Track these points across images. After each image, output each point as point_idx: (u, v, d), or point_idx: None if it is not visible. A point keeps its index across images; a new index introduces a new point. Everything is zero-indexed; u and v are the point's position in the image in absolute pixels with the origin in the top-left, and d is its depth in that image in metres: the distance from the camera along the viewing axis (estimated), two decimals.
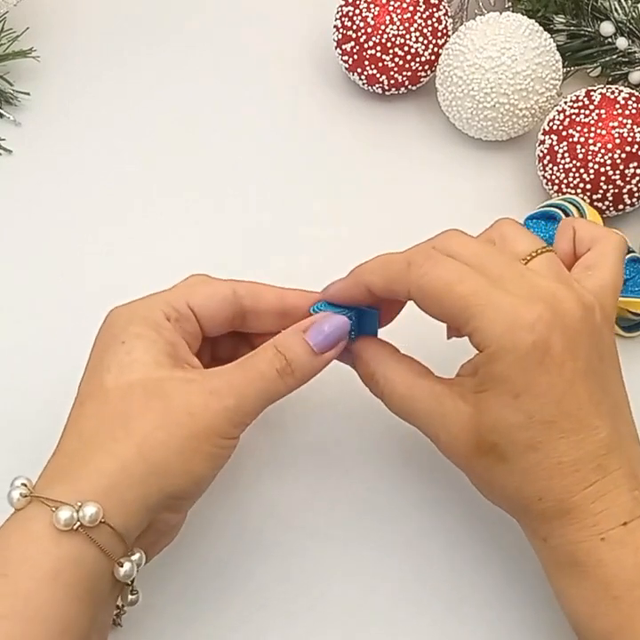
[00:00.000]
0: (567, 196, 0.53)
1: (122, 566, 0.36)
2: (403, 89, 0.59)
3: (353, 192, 0.57)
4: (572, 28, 0.59)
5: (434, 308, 0.38)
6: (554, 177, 0.54)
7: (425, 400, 0.39)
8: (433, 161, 0.59)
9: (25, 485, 0.36)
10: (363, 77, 0.58)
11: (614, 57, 0.58)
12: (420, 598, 0.45)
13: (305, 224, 0.56)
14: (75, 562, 0.35)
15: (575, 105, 0.54)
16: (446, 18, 0.58)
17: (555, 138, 0.54)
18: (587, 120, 0.53)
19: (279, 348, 0.39)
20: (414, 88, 0.59)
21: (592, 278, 0.40)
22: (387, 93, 0.59)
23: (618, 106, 0.53)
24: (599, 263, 0.41)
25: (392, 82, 0.58)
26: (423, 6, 0.57)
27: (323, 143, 0.59)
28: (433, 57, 0.58)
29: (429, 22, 0.57)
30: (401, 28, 0.56)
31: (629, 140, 0.52)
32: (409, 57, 0.57)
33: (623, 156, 0.52)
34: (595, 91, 0.54)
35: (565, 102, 0.54)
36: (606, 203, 0.53)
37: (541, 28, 0.56)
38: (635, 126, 0.52)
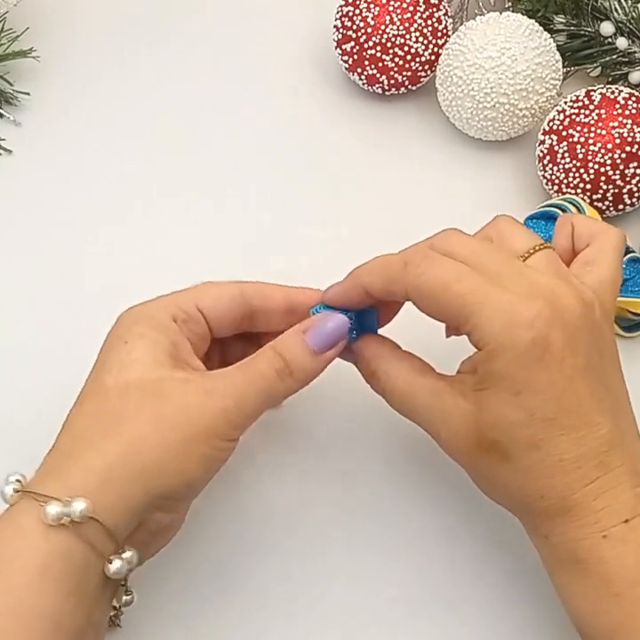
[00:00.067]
0: (567, 196, 0.53)
1: (111, 563, 0.36)
2: (403, 89, 0.59)
3: (353, 192, 0.57)
4: (572, 27, 0.59)
5: (432, 308, 0.38)
6: (554, 177, 0.54)
7: (426, 397, 0.40)
8: (433, 161, 0.59)
9: (18, 481, 0.37)
10: (363, 77, 0.58)
11: (614, 57, 0.58)
12: (421, 598, 0.45)
13: (305, 224, 0.56)
14: (64, 557, 0.35)
15: (575, 105, 0.54)
16: (446, 18, 0.58)
17: (555, 138, 0.54)
18: (587, 120, 0.53)
19: (278, 350, 0.39)
20: (414, 88, 0.59)
21: (591, 274, 0.40)
22: (387, 93, 0.59)
23: (618, 106, 0.53)
24: (598, 259, 0.41)
25: (392, 82, 0.58)
26: (423, 6, 0.57)
27: (323, 143, 0.59)
28: (433, 57, 0.58)
29: (429, 22, 0.57)
30: (401, 28, 0.56)
31: (629, 140, 0.52)
32: (409, 57, 0.57)
33: (623, 156, 0.52)
34: (595, 91, 0.54)
35: (565, 102, 0.54)
36: (606, 203, 0.53)
37: (541, 28, 0.56)
38: (635, 126, 0.52)
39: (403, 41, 0.56)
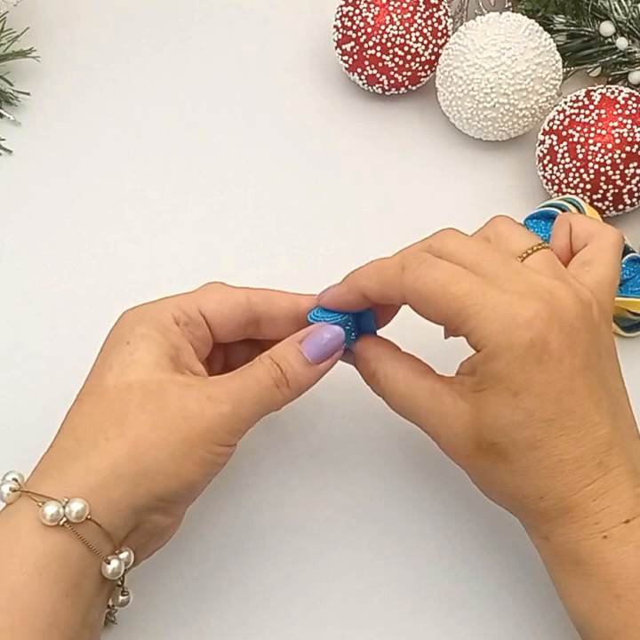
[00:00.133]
0: (567, 195, 0.53)
1: (109, 564, 0.36)
2: (403, 89, 0.59)
3: (353, 192, 0.57)
4: (572, 27, 0.59)
5: (429, 311, 0.38)
6: (554, 177, 0.54)
7: (425, 399, 0.39)
8: (433, 161, 0.59)
9: (16, 480, 0.37)
10: (363, 77, 0.58)
11: (614, 57, 0.58)
12: (420, 598, 0.45)
13: (305, 224, 0.56)
14: (61, 557, 0.35)
15: (575, 105, 0.54)
16: (446, 18, 0.58)
17: (555, 138, 0.54)
18: (587, 120, 0.53)
19: (274, 358, 0.40)
20: (414, 88, 0.59)
21: (589, 274, 0.40)
22: (387, 93, 0.59)
23: (618, 106, 0.53)
24: (596, 259, 0.41)
25: (392, 82, 0.58)
26: (423, 6, 0.57)
27: (323, 143, 0.59)
28: (433, 57, 0.58)
29: (429, 22, 0.57)
30: (401, 28, 0.56)
31: (629, 140, 0.52)
32: (409, 57, 0.57)
33: (623, 156, 0.52)
34: (595, 91, 0.54)
35: (565, 102, 0.54)
36: (606, 203, 0.53)
37: (541, 28, 0.56)
38: (635, 126, 0.52)
39: (403, 41, 0.56)
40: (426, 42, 0.57)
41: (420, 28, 0.56)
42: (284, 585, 0.45)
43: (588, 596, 0.37)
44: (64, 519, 0.35)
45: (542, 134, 0.55)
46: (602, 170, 0.52)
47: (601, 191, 0.53)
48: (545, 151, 0.54)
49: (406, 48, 0.57)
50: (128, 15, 0.64)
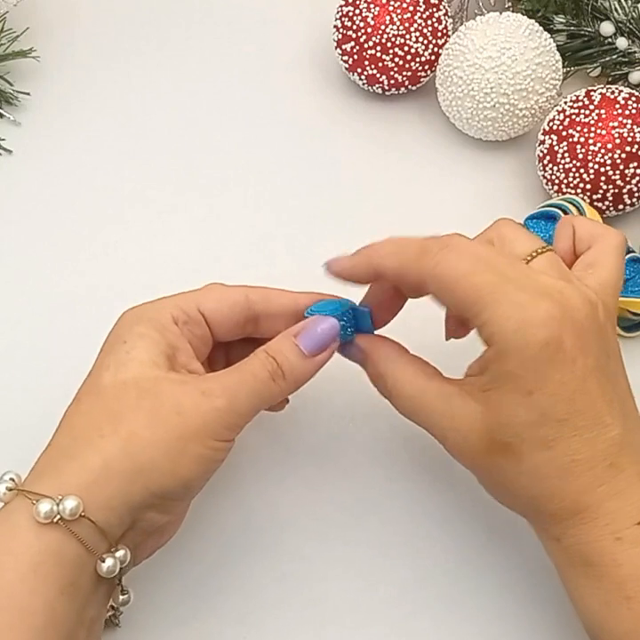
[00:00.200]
0: (567, 196, 0.53)
1: (104, 562, 0.36)
2: (403, 89, 0.59)
3: (353, 192, 0.57)
4: (572, 27, 0.59)
5: (446, 297, 0.38)
6: (554, 177, 0.54)
7: (434, 401, 0.39)
8: (433, 161, 0.59)
9: (13, 480, 0.37)
10: (363, 77, 0.58)
11: (614, 57, 0.58)
12: (421, 598, 0.44)
13: (305, 224, 0.56)
14: (55, 555, 0.35)
15: (575, 105, 0.54)
16: (446, 18, 0.58)
17: (555, 138, 0.54)
18: (587, 120, 0.53)
19: (270, 352, 0.39)
20: (414, 88, 0.59)
21: (593, 276, 0.40)
22: (387, 93, 0.59)
23: (618, 106, 0.53)
24: (600, 261, 0.41)
25: (392, 82, 0.58)
26: (423, 6, 0.57)
27: (323, 143, 0.59)
28: (433, 57, 0.58)
29: (429, 22, 0.57)
30: (401, 28, 0.56)
31: (629, 140, 0.52)
32: (409, 57, 0.57)
33: (623, 156, 0.52)
34: (595, 91, 0.54)
35: (565, 102, 0.54)
36: (606, 203, 0.53)
37: (541, 28, 0.56)
38: (635, 126, 0.52)
39: (403, 41, 0.56)
40: (426, 42, 0.57)
41: (419, 28, 0.56)
42: (283, 584, 0.45)
43: (598, 597, 0.37)
44: (58, 517, 0.35)
45: (542, 134, 0.55)
46: (602, 170, 0.52)
47: (601, 191, 0.53)
48: (545, 151, 0.54)
49: (406, 48, 0.57)
50: (128, 15, 0.64)
